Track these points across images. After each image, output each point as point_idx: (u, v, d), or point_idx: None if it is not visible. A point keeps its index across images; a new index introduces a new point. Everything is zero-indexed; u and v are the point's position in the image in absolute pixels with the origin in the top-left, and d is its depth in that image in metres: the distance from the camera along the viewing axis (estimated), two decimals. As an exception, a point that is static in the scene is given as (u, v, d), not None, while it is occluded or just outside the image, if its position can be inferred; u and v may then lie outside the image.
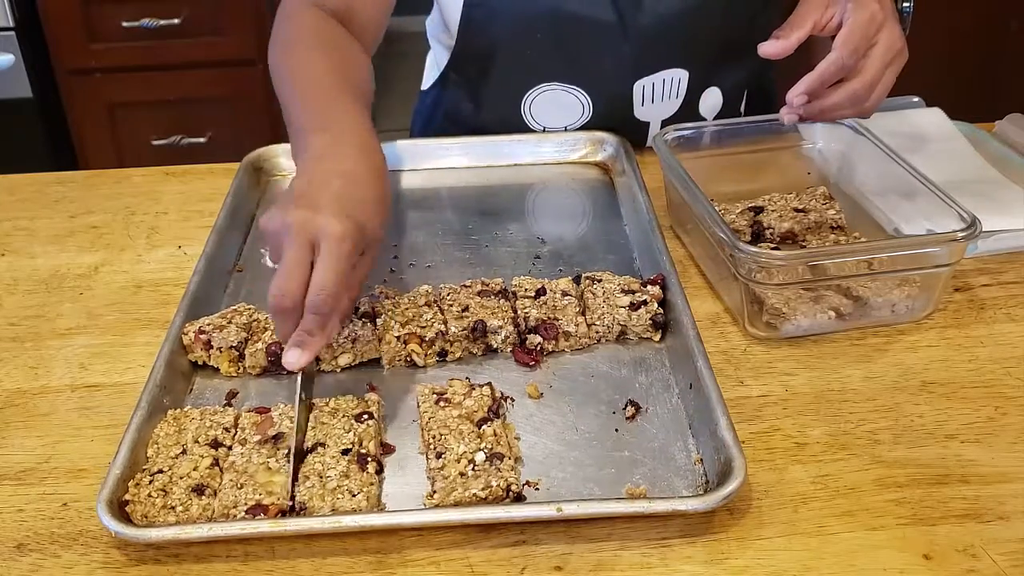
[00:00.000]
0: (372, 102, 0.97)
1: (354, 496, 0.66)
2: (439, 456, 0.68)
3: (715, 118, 1.14)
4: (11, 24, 2.00)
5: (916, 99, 1.14)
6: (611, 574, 0.62)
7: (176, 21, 2.06)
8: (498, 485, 0.65)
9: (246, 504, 0.65)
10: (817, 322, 0.82)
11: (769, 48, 0.89)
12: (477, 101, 1.15)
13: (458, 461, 0.67)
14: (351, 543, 0.64)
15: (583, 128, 1.12)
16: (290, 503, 0.66)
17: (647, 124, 1.13)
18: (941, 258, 0.81)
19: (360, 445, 0.70)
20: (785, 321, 0.81)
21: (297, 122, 0.86)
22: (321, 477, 0.67)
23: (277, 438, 0.70)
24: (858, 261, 0.80)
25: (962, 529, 0.65)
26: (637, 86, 1.09)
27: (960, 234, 0.79)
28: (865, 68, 0.89)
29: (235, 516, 0.64)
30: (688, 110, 1.12)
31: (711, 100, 1.13)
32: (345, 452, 0.69)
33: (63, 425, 0.75)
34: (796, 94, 0.88)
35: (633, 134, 1.12)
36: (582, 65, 1.08)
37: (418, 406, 0.74)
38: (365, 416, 0.72)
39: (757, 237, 0.93)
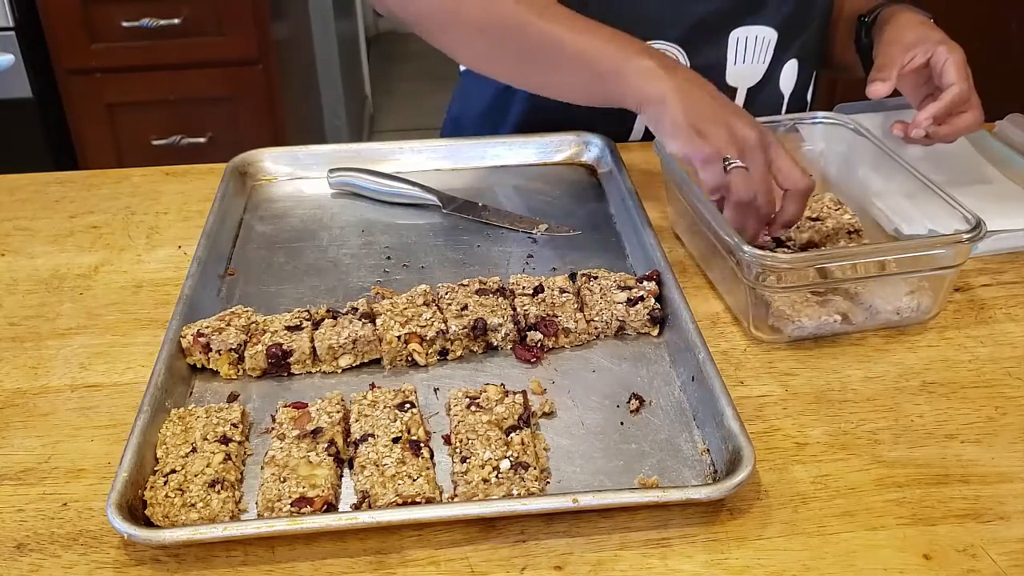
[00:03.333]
0: None
1: (415, 480, 0.66)
2: (464, 460, 0.68)
3: (790, 94, 1.17)
4: (11, 24, 2.00)
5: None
6: (611, 573, 0.62)
7: (176, 21, 2.06)
8: (518, 494, 0.65)
9: (290, 497, 0.65)
10: (823, 324, 0.82)
11: (879, 89, 0.97)
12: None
13: (482, 467, 0.67)
14: (351, 543, 0.64)
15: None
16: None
17: (735, 91, 1.14)
18: (947, 260, 0.81)
19: (409, 432, 0.70)
20: (790, 323, 0.81)
21: (607, 53, 0.88)
22: (378, 466, 0.68)
23: (316, 432, 0.70)
24: (864, 264, 0.80)
25: (962, 529, 0.65)
26: (732, 36, 1.10)
27: (966, 235, 0.79)
28: (974, 97, 0.98)
29: (279, 510, 0.65)
30: (771, 82, 1.14)
31: (789, 74, 1.15)
32: (396, 440, 0.70)
33: (63, 425, 0.75)
34: (925, 118, 0.96)
35: None
36: (684, 18, 1.07)
37: (448, 409, 0.74)
38: (407, 405, 0.73)
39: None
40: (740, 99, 1.14)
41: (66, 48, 2.08)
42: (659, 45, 1.08)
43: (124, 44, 2.08)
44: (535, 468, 0.67)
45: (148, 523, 0.65)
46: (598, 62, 0.87)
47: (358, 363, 0.80)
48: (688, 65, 1.07)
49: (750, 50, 1.12)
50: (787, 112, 1.17)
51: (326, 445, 0.69)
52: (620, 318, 0.83)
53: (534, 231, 0.97)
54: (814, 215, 0.92)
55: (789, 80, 1.16)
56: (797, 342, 0.82)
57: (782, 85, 1.16)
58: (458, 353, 0.81)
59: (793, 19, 1.12)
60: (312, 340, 0.80)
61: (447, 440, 0.72)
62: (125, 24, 2.05)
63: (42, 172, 1.13)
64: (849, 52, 1.12)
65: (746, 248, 0.78)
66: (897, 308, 0.83)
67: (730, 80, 1.13)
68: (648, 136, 1.15)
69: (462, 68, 1.24)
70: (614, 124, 1.13)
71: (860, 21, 1.08)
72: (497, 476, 0.67)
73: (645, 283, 0.85)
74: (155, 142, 2.19)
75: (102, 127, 2.18)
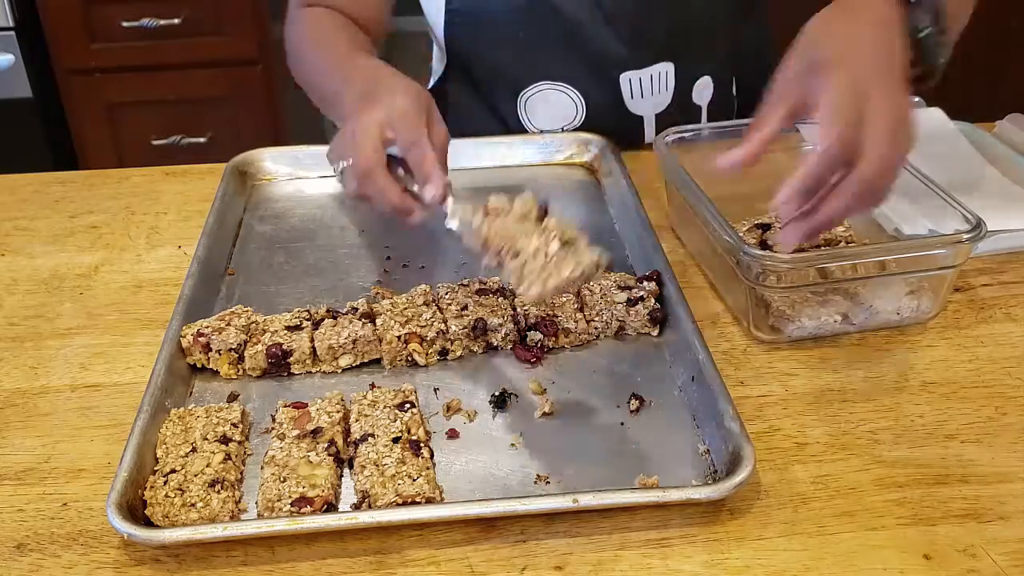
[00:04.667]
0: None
1: (414, 480, 0.66)
2: (517, 255, 0.71)
3: (708, 104, 1.15)
4: (11, 24, 2.00)
5: (916, 99, 1.14)
6: (611, 574, 0.62)
7: (176, 21, 2.06)
8: (592, 261, 0.70)
9: (290, 497, 0.65)
10: (823, 324, 0.82)
11: (724, 163, 0.74)
12: (473, 109, 1.16)
13: (535, 257, 0.70)
14: (351, 543, 0.64)
15: (578, 130, 1.12)
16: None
17: (641, 118, 1.13)
18: (947, 260, 0.81)
19: (408, 432, 0.70)
20: (790, 324, 0.81)
21: (329, 92, 0.94)
22: (378, 466, 0.68)
23: (316, 432, 0.70)
24: (864, 264, 0.80)
25: (962, 529, 0.65)
26: (623, 79, 1.10)
27: (966, 235, 0.79)
28: (866, 144, 0.69)
29: (279, 509, 0.65)
30: (682, 102, 1.13)
31: (703, 89, 1.14)
32: (395, 440, 0.70)
33: (63, 425, 0.75)
34: (781, 202, 0.70)
35: (629, 129, 1.12)
36: (567, 60, 1.09)
37: (468, 224, 0.76)
38: (407, 405, 0.73)
39: None
40: (649, 126, 1.13)
41: (66, 48, 2.08)
42: (548, 86, 1.10)
43: (124, 44, 2.08)
44: (580, 242, 0.71)
45: (148, 523, 0.65)
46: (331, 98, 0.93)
47: (358, 363, 0.80)
48: (583, 104, 1.10)
49: (646, 86, 1.11)
50: (709, 119, 1.15)
51: (326, 445, 0.69)
52: (620, 318, 0.83)
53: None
54: None
55: (704, 93, 1.14)
56: (797, 342, 0.82)
57: (696, 99, 1.14)
58: (458, 353, 0.81)
59: (692, 50, 1.11)
60: (312, 340, 0.80)
61: (484, 246, 0.74)
62: (125, 24, 2.06)
63: (42, 172, 1.13)
64: None
65: (746, 248, 0.78)
66: (897, 308, 0.83)
67: (633, 110, 1.13)
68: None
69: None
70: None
71: None
72: (553, 258, 0.70)
73: (645, 283, 0.85)
74: (155, 142, 2.19)
75: (102, 127, 2.18)
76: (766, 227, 0.91)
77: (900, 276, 0.82)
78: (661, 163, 0.95)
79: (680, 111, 1.13)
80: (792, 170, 0.71)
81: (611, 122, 1.12)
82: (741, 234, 0.92)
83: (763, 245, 0.89)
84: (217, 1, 2.07)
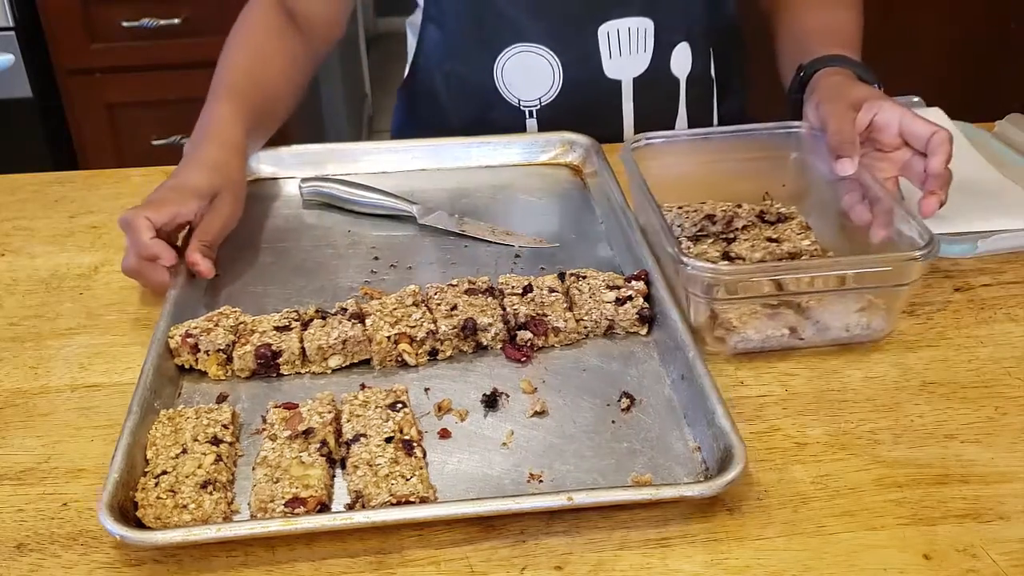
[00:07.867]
0: (290, 94, 1.13)
1: (408, 480, 0.66)
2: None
3: (688, 78, 1.15)
4: (11, 24, 2.00)
5: (916, 99, 1.14)
6: (611, 574, 0.62)
7: (176, 21, 2.06)
8: None
9: (283, 498, 0.65)
10: (769, 338, 0.80)
11: (847, 167, 0.87)
12: (449, 79, 1.16)
13: None
14: (351, 543, 0.64)
15: (556, 100, 1.13)
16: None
17: (619, 83, 1.13)
18: (899, 277, 0.78)
19: (401, 432, 0.70)
20: (735, 335, 0.79)
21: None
22: (371, 465, 0.68)
23: (308, 433, 0.70)
24: (811, 279, 0.78)
25: (962, 529, 0.65)
26: (601, 32, 1.10)
27: (918, 253, 0.76)
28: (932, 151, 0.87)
29: (273, 510, 0.65)
30: (660, 69, 1.13)
31: (682, 58, 1.14)
32: (388, 440, 0.70)
33: (63, 425, 0.75)
34: (935, 206, 0.84)
35: (605, 100, 1.13)
36: (545, 14, 1.09)
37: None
38: (399, 405, 0.73)
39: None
40: (627, 91, 1.14)
41: (66, 48, 2.08)
42: (521, 47, 1.10)
43: (124, 44, 2.08)
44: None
45: (141, 525, 0.64)
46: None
47: (347, 364, 0.80)
48: (560, 64, 1.11)
49: (624, 42, 1.11)
50: (688, 96, 1.16)
51: (318, 445, 0.69)
52: (609, 317, 0.82)
53: (512, 245, 0.96)
54: (775, 236, 0.90)
55: (683, 63, 1.15)
56: (797, 342, 0.82)
57: (674, 70, 1.15)
58: (448, 353, 0.81)
59: (670, 5, 1.11)
60: (301, 341, 0.79)
61: None
62: (125, 24, 2.05)
63: (42, 172, 1.13)
64: (787, 75, 1.07)
65: (686, 260, 0.77)
66: (846, 325, 0.80)
67: (609, 73, 1.13)
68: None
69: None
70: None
71: (796, 72, 1.03)
72: None
73: (633, 282, 0.85)
74: (155, 142, 2.19)
75: (102, 127, 2.18)
76: (730, 239, 0.90)
77: (849, 292, 0.79)
78: (626, 171, 0.93)
79: (659, 79, 1.13)
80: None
81: (588, 90, 1.12)
82: (706, 246, 0.91)
83: (726, 256, 0.88)
84: (217, 1, 2.07)
